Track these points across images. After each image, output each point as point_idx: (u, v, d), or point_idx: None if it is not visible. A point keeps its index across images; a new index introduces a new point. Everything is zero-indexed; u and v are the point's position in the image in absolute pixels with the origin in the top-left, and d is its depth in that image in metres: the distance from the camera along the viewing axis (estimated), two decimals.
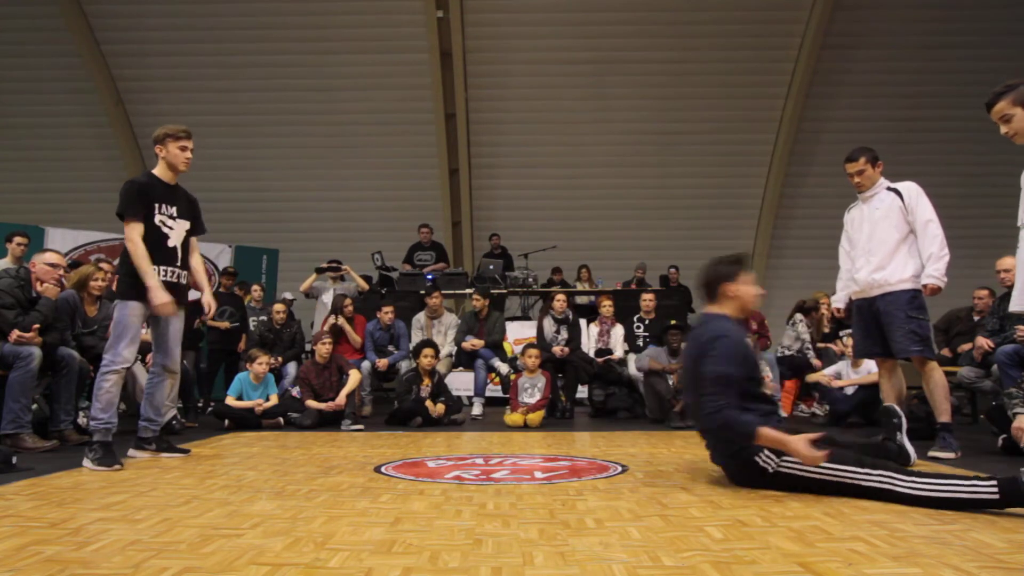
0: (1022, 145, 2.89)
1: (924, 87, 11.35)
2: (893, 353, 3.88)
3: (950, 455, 3.60)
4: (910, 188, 3.86)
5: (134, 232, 3.44)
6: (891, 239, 3.83)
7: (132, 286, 3.45)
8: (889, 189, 3.91)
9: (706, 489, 2.66)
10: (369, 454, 3.74)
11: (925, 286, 3.74)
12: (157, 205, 3.54)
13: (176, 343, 3.69)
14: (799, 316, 6.62)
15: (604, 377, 6.31)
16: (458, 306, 8.81)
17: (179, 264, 3.64)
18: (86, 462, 3.26)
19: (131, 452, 3.62)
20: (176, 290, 3.60)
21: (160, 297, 3.38)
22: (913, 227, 3.81)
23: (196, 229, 3.79)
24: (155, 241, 3.51)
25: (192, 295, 4.08)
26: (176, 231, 3.62)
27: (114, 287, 5.32)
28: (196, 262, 3.81)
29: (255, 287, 7.84)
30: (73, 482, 2.87)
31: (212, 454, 3.82)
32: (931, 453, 3.65)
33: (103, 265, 5.31)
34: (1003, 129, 2.85)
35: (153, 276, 3.40)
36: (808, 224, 12.09)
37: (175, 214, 3.62)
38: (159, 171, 3.65)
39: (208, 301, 3.80)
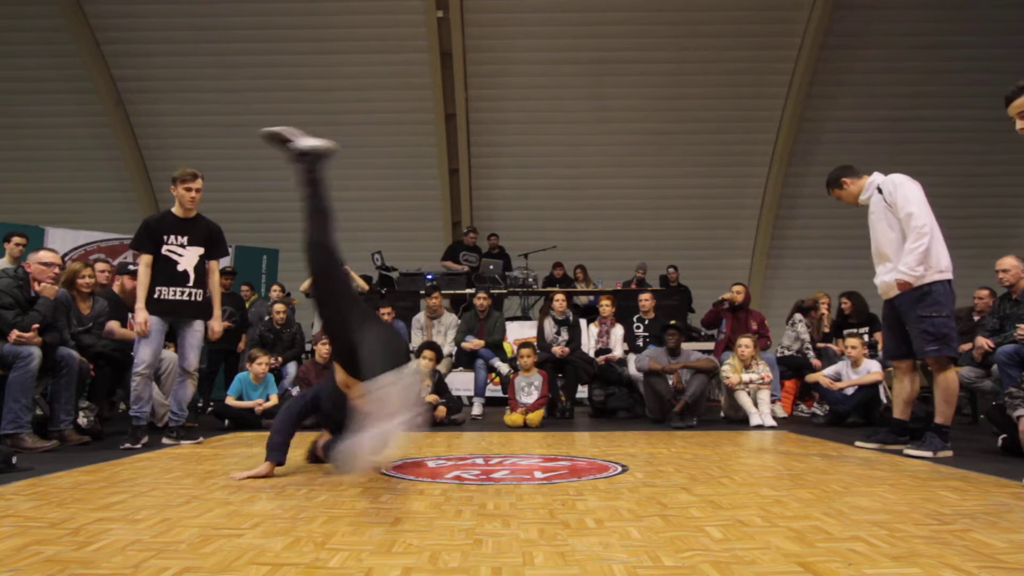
0: (1021, 147, 2.88)
1: (924, 87, 11.35)
2: (915, 354, 3.83)
3: (927, 453, 3.60)
4: (887, 183, 3.83)
5: (141, 263, 4.10)
6: (891, 239, 3.81)
7: (149, 303, 4.07)
8: (878, 188, 3.88)
9: (706, 489, 2.66)
10: None
11: (896, 281, 3.71)
12: (166, 237, 4.12)
13: (191, 349, 4.24)
14: (799, 316, 6.62)
15: (604, 377, 6.31)
16: (457, 306, 8.81)
17: (191, 284, 4.19)
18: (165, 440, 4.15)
19: (164, 440, 4.21)
20: (187, 307, 4.18)
21: (139, 317, 4.01)
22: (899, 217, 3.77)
23: (212, 254, 4.32)
24: (165, 267, 4.11)
25: None
26: (187, 257, 4.18)
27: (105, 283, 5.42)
28: (212, 284, 4.36)
29: (275, 287, 7.97)
30: (73, 482, 2.87)
31: (212, 454, 3.82)
32: (906, 451, 3.67)
33: (98, 264, 5.32)
34: (1018, 125, 2.78)
35: (141, 300, 4.02)
36: (808, 224, 12.09)
37: (186, 243, 4.18)
38: (175, 207, 4.22)
39: (214, 327, 4.36)
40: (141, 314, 4.01)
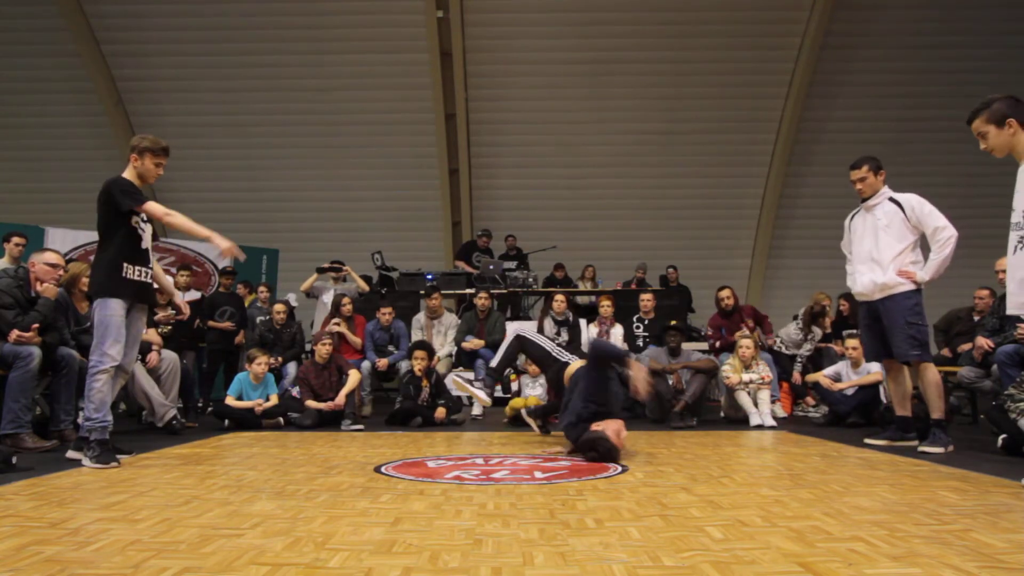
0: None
1: (924, 87, 11.34)
2: (894, 357, 3.99)
3: (939, 450, 3.72)
4: (910, 200, 3.99)
5: (157, 209, 3.47)
6: (893, 249, 3.98)
7: (109, 283, 3.43)
8: (891, 200, 4.04)
9: (706, 489, 2.66)
10: (369, 454, 3.74)
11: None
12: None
13: (135, 343, 3.66)
14: (816, 328, 6.50)
15: None
16: (458, 306, 8.80)
17: (149, 265, 3.67)
18: (85, 460, 3.29)
19: (70, 452, 3.48)
20: (146, 290, 3.65)
21: (223, 241, 3.48)
22: (925, 234, 3.94)
23: (155, 234, 3.88)
24: (132, 243, 3.54)
25: (191, 295, 4.17)
26: (147, 234, 3.65)
27: None
28: (155, 267, 3.84)
29: (261, 288, 7.87)
30: (73, 482, 2.87)
31: (212, 454, 3.82)
32: (920, 448, 3.77)
33: None
34: (981, 145, 2.91)
35: (203, 228, 3.46)
36: (808, 224, 12.08)
37: (145, 218, 3.65)
38: (131, 175, 3.62)
39: (180, 303, 4.18)
40: (221, 238, 3.46)
